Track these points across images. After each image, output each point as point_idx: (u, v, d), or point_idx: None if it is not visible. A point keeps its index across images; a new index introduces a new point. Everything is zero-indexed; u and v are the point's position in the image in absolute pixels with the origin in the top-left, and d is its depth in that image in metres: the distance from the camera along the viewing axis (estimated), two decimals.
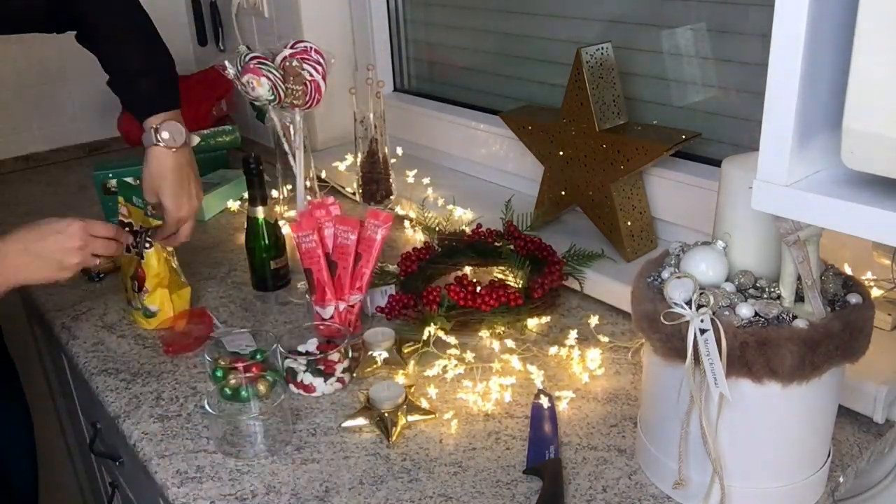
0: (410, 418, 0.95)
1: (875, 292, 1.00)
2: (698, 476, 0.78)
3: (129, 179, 1.30)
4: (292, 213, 1.56)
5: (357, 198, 1.53)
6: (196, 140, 1.22)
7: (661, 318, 0.73)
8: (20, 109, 1.96)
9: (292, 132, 1.49)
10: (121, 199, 1.20)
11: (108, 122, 2.02)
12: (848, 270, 0.92)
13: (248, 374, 1.01)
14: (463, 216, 1.43)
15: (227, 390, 1.00)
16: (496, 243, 1.26)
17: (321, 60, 1.43)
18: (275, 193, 1.59)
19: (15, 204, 1.78)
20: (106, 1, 1.16)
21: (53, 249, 0.97)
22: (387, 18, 1.79)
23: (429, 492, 0.85)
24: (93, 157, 2.05)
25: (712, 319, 0.71)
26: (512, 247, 1.24)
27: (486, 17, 1.57)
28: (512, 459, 0.89)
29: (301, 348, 1.07)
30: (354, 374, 1.05)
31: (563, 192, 1.31)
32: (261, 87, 1.40)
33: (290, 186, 1.59)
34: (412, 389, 1.01)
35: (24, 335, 1.70)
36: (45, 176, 1.96)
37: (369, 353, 1.06)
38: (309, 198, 1.51)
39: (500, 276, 1.24)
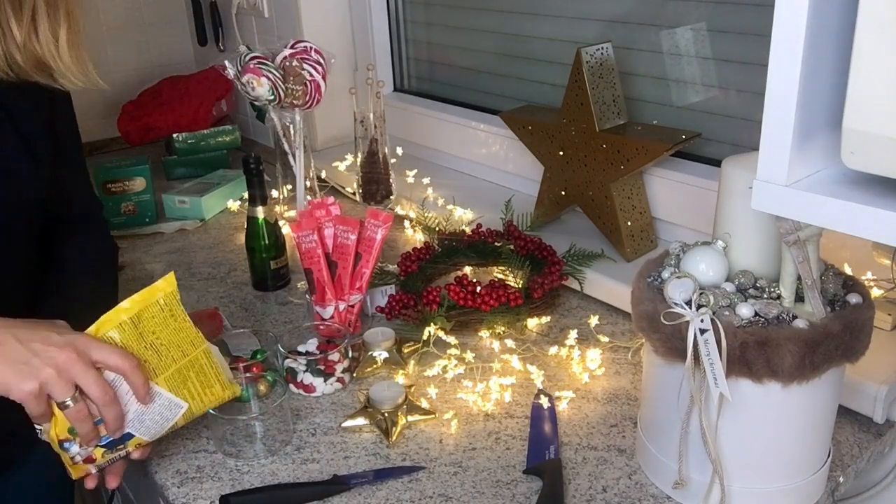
0: (410, 418, 0.95)
1: (875, 292, 1.00)
2: (698, 476, 0.78)
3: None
4: (292, 213, 1.56)
5: (357, 198, 1.53)
6: None
7: (661, 318, 0.73)
8: None
9: (292, 132, 1.49)
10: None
11: (108, 122, 2.01)
12: (848, 270, 0.92)
13: (248, 374, 1.01)
14: (463, 216, 1.43)
15: None
16: (496, 243, 1.26)
17: (321, 60, 1.43)
18: (275, 193, 1.59)
19: None
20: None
21: (34, 339, 0.73)
22: (387, 18, 1.79)
23: (429, 492, 0.85)
24: (93, 157, 2.05)
25: (712, 319, 0.71)
26: (512, 247, 1.24)
27: (486, 17, 1.57)
28: (512, 459, 0.89)
29: (301, 348, 1.07)
30: (354, 374, 1.05)
31: (563, 192, 1.31)
32: (261, 87, 1.40)
33: (290, 186, 1.59)
34: (412, 389, 1.01)
35: None
36: None
37: (369, 353, 1.06)
38: (309, 198, 1.51)
39: (500, 276, 1.24)
